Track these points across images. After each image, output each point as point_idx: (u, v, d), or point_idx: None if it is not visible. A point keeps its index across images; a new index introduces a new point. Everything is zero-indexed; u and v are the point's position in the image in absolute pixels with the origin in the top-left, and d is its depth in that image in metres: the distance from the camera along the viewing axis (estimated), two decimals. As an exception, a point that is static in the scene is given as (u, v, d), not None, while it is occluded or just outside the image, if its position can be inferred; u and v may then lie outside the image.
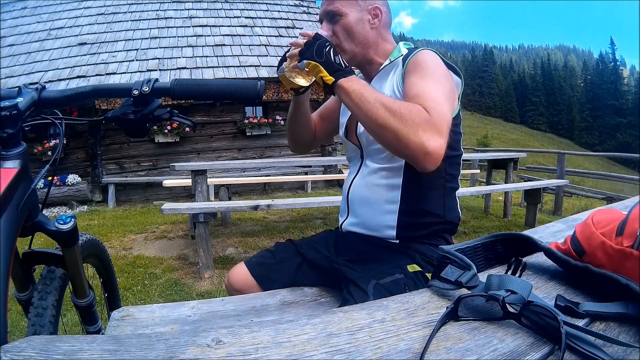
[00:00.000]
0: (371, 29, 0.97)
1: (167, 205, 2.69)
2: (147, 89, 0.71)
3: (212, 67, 6.86)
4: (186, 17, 8.02)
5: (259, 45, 7.56)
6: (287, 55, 0.88)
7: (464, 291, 0.45)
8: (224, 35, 7.65)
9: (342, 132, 1.10)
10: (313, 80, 0.90)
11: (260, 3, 8.76)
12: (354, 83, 0.81)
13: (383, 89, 0.95)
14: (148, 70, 6.60)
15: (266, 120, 7.13)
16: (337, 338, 0.37)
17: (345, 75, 0.82)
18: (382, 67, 0.98)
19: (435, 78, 0.85)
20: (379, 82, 0.98)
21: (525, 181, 7.15)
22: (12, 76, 6.36)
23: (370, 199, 0.97)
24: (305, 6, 9.05)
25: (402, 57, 0.95)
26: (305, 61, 0.83)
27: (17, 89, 0.69)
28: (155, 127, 6.41)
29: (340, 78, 0.82)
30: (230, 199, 4.50)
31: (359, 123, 1.00)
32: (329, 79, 0.82)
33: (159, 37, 7.41)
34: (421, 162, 0.74)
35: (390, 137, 0.76)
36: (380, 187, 0.96)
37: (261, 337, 0.37)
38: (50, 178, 0.89)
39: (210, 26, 7.87)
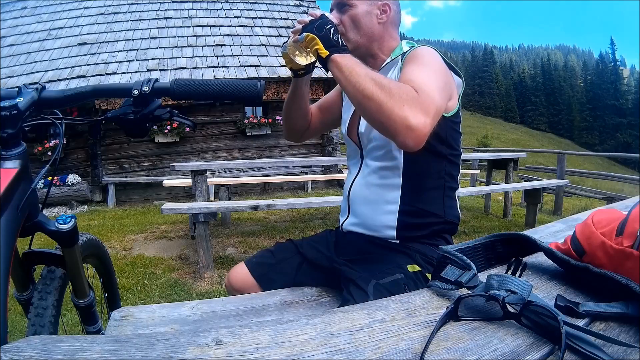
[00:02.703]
0: (378, 24, 0.98)
1: (167, 205, 2.70)
2: (147, 89, 0.71)
3: (212, 67, 6.85)
4: (186, 17, 8.01)
5: (259, 45, 7.56)
6: (291, 31, 0.91)
7: (464, 291, 0.45)
8: (224, 35, 7.64)
9: (344, 129, 1.10)
10: (312, 60, 0.91)
11: (260, 3, 8.76)
12: (347, 59, 0.82)
13: None
14: (148, 70, 6.60)
15: (266, 120, 7.13)
16: (337, 338, 0.37)
17: (341, 52, 0.84)
18: (384, 64, 0.99)
19: (430, 68, 0.85)
20: None
21: (525, 181, 7.15)
22: (12, 76, 6.36)
23: (370, 199, 0.97)
24: (305, 6, 9.05)
25: (402, 54, 0.96)
26: (304, 33, 0.86)
27: (17, 89, 0.69)
28: (155, 127, 6.41)
29: (335, 53, 0.83)
30: (230, 199, 4.50)
31: (360, 120, 1.00)
32: (324, 52, 0.83)
33: (159, 37, 7.41)
34: (402, 136, 0.73)
35: (374, 108, 0.75)
36: (380, 187, 0.96)
37: (261, 337, 0.37)
38: (50, 178, 0.89)
39: (210, 26, 7.87)
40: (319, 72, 7.17)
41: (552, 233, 0.86)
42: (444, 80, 0.86)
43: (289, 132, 1.20)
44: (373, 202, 0.97)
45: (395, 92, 0.74)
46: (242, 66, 6.95)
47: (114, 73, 6.49)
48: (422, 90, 0.76)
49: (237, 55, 7.21)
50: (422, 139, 0.73)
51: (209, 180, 3.75)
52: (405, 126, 0.72)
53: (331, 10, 1.01)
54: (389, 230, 0.95)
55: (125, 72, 6.53)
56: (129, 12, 7.99)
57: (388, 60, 0.99)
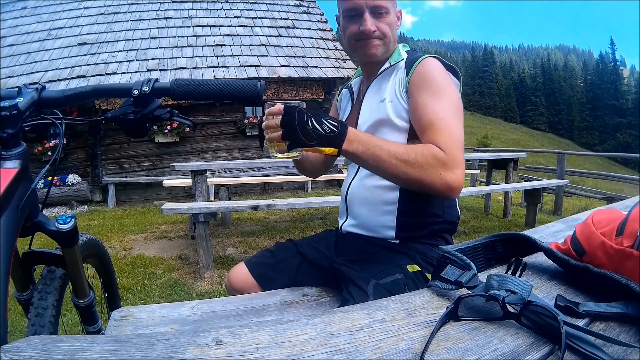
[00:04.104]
0: (395, 30, 0.98)
1: (167, 205, 2.69)
2: (147, 89, 0.71)
3: (212, 67, 6.86)
4: (186, 17, 8.02)
5: (259, 45, 7.56)
6: (267, 139, 0.79)
7: (464, 291, 0.46)
8: (224, 35, 7.65)
9: None
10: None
11: (260, 3, 8.76)
12: (356, 144, 0.77)
13: (384, 91, 0.95)
14: (148, 70, 6.60)
15: (266, 120, 7.12)
16: (337, 338, 0.37)
17: (342, 136, 0.76)
18: (382, 69, 0.98)
19: (445, 94, 0.86)
20: (378, 84, 0.98)
21: (525, 181, 7.14)
22: (12, 76, 6.36)
23: (369, 200, 0.97)
24: (305, 6, 9.04)
25: (403, 62, 0.95)
26: (298, 149, 0.77)
27: (17, 89, 0.69)
28: (155, 127, 6.41)
29: (341, 145, 0.76)
30: (230, 199, 4.50)
31: (357, 124, 1.00)
32: (333, 151, 0.76)
33: (159, 37, 7.41)
34: (448, 196, 0.80)
35: (415, 186, 0.79)
36: (379, 188, 0.96)
37: (261, 337, 0.37)
38: (50, 178, 0.89)
39: (210, 26, 7.87)
40: (318, 72, 7.18)
41: (552, 233, 0.86)
42: (457, 100, 0.88)
43: (308, 175, 1.21)
44: (371, 203, 0.97)
45: (425, 163, 0.76)
46: (242, 66, 6.95)
47: (114, 73, 6.50)
48: (447, 143, 0.78)
49: (237, 55, 7.22)
50: (462, 186, 0.80)
51: (209, 180, 3.75)
52: (448, 188, 0.77)
53: (360, 15, 0.93)
54: (388, 230, 0.95)
55: (125, 72, 6.54)
56: (129, 12, 7.99)
57: (387, 65, 0.98)
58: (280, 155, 0.80)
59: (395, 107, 0.92)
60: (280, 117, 0.74)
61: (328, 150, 0.75)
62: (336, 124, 0.76)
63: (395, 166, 0.76)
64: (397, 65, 0.96)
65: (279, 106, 0.76)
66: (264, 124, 0.79)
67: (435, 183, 0.76)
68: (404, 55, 0.97)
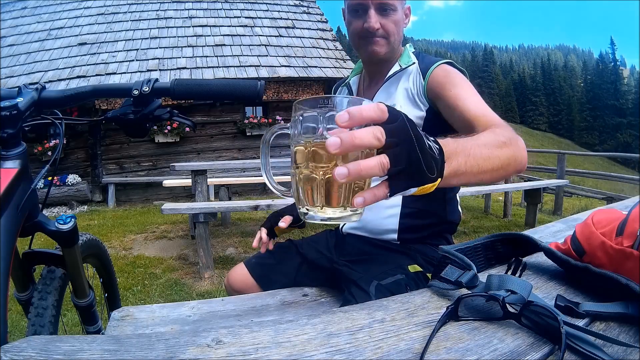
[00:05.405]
0: (402, 28, 0.95)
1: (167, 205, 2.69)
2: (147, 89, 0.71)
3: (212, 67, 6.86)
4: (186, 17, 8.02)
5: (259, 45, 7.57)
6: (348, 173, 0.37)
7: (464, 291, 0.45)
8: (224, 35, 7.65)
9: None
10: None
11: (260, 3, 8.77)
12: (455, 157, 0.50)
13: (393, 97, 0.93)
14: (148, 70, 6.61)
15: (266, 120, 7.13)
16: (337, 338, 0.37)
17: (442, 155, 0.46)
18: (392, 71, 0.95)
19: (468, 86, 0.85)
20: (387, 88, 0.96)
21: (525, 181, 7.14)
22: (12, 76, 6.36)
23: (372, 204, 0.96)
24: (305, 6, 9.05)
25: (414, 66, 0.93)
26: (412, 190, 0.45)
27: (17, 89, 0.69)
28: (155, 127, 6.41)
29: (442, 169, 0.46)
30: (230, 199, 4.50)
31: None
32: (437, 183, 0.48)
33: (159, 37, 7.42)
34: (523, 169, 0.71)
35: (509, 168, 0.65)
36: None
37: (261, 337, 0.37)
38: (50, 178, 0.89)
39: (210, 26, 7.87)
40: (318, 72, 7.18)
41: (552, 233, 0.86)
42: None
43: None
44: (374, 207, 0.95)
45: (510, 138, 0.67)
46: (242, 66, 6.95)
47: (114, 73, 6.50)
48: (498, 118, 0.78)
49: (237, 55, 7.22)
50: None
51: (209, 180, 3.75)
52: (525, 157, 0.70)
53: (365, 10, 0.90)
54: (391, 233, 0.95)
55: (125, 72, 6.54)
56: (129, 12, 8.00)
57: (397, 68, 0.95)
58: (345, 213, 0.43)
59: (409, 110, 0.90)
60: (382, 126, 0.38)
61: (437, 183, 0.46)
62: (433, 138, 0.47)
63: (497, 157, 0.59)
64: (407, 69, 0.93)
65: (380, 106, 0.38)
66: (350, 137, 0.36)
67: (520, 156, 0.68)
68: (414, 59, 0.94)
